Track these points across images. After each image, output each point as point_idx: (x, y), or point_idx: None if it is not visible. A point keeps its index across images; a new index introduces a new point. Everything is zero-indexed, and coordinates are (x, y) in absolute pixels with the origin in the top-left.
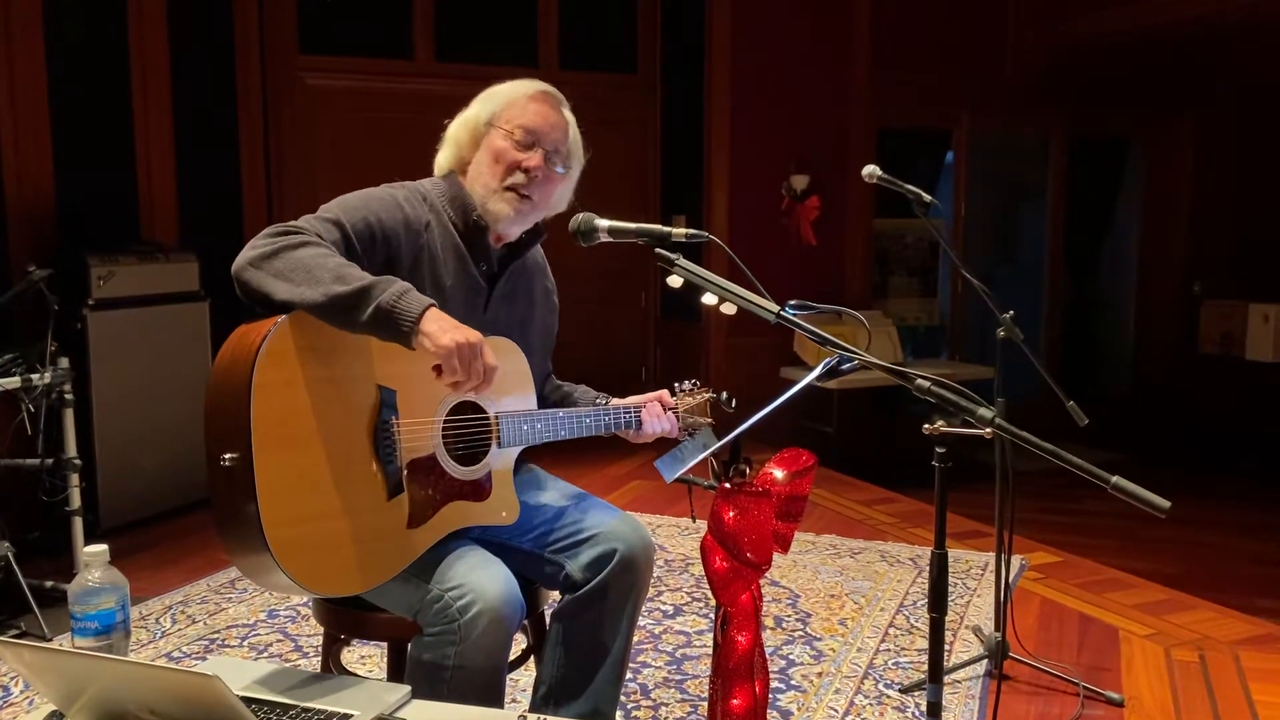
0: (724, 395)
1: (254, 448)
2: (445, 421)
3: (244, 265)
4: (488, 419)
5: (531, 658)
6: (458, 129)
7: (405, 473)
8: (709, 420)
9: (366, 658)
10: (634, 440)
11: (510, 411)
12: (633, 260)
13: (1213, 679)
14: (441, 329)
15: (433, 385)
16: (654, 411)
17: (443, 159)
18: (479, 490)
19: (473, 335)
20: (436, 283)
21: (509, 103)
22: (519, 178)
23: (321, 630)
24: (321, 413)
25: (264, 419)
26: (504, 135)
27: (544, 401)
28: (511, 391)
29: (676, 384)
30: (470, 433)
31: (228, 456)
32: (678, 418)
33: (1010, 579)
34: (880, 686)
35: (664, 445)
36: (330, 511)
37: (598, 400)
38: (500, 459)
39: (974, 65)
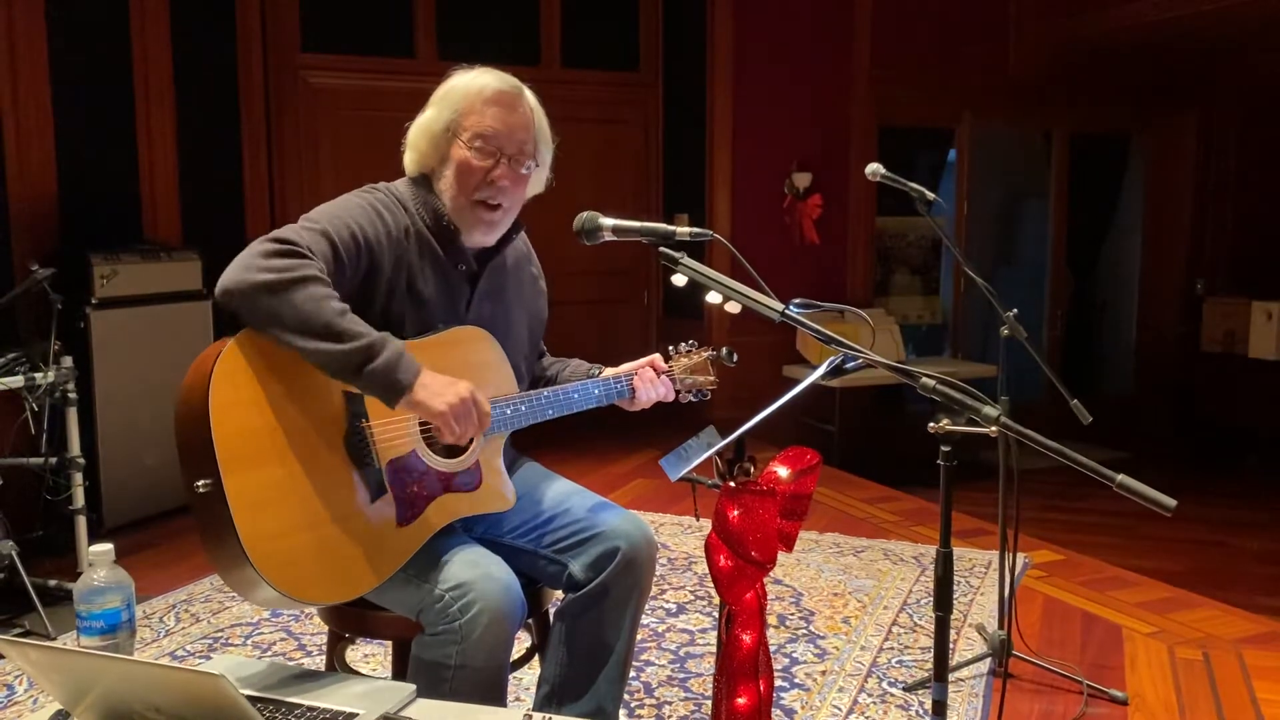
0: (724, 350)
1: (221, 470)
2: None
3: (238, 289)
4: None
5: (535, 656)
6: (417, 135)
7: (385, 473)
8: (711, 379)
9: (370, 656)
10: (631, 409)
11: (490, 397)
12: (635, 259)
13: (1216, 677)
14: (434, 393)
15: None
16: (646, 378)
17: (409, 162)
18: (469, 480)
19: (463, 390)
20: (416, 287)
21: (465, 108)
22: (486, 191)
23: (325, 629)
24: (288, 426)
25: (227, 440)
26: (464, 146)
27: (537, 383)
28: (488, 379)
29: (672, 347)
30: None
31: (201, 483)
32: (673, 380)
33: (1014, 577)
34: (884, 685)
35: (668, 441)
36: (311, 521)
37: (591, 372)
38: (488, 447)
39: (976, 63)
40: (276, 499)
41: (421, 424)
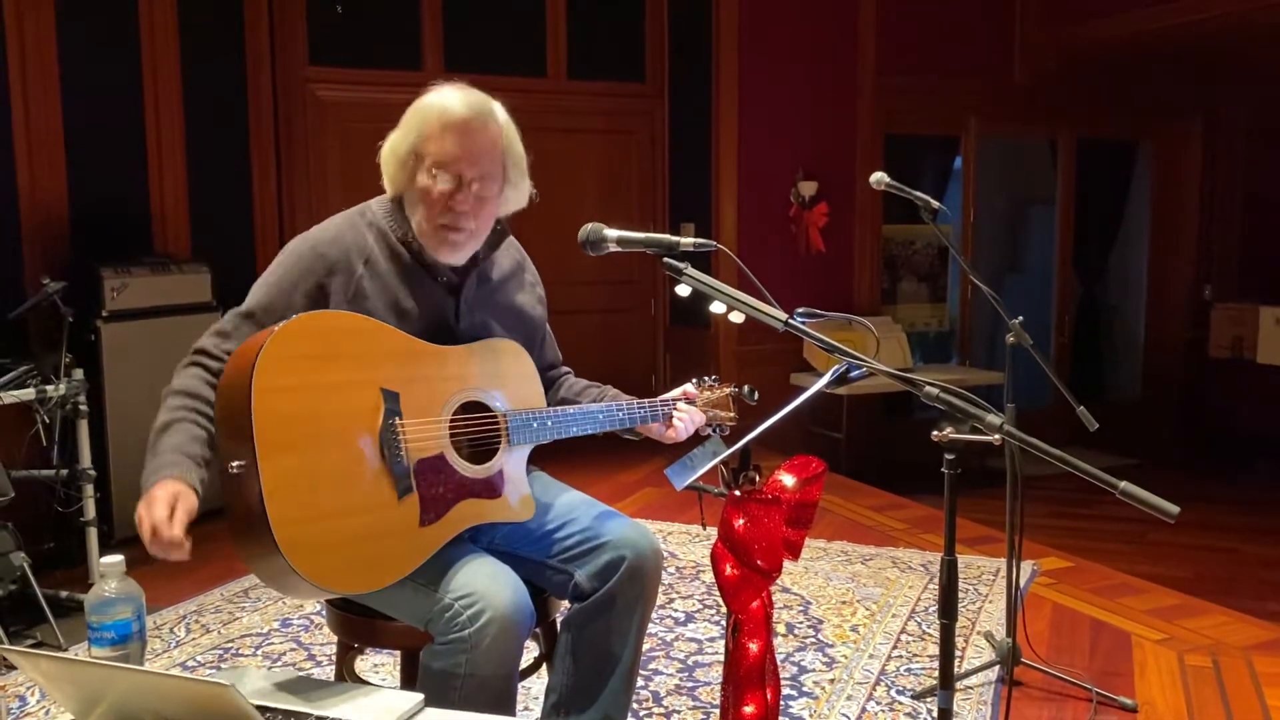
0: (746, 388)
1: (258, 451)
2: (451, 421)
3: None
4: (495, 418)
5: (544, 665)
6: (386, 158)
7: (414, 472)
8: (731, 415)
9: (380, 665)
10: (667, 438)
11: (518, 410)
12: (642, 269)
13: (1226, 684)
14: (142, 505)
15: (436, 387)
16: (683, 409)
17: (385, 182)
18: (491, 488)
19: (155, 514)
20: (396, 301)
21: (426, 133)
22: (448, 217)
23: (334, 639)
24: (325, 416)
25: (266, 424)
26: (426, 173)
27: (553, 395)
28: (517, 391)
29: (694, 380)
30: (478, 432)
31: (235, 464)
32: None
33: (1022, 584)
34: (892, 693)
35: (677, 450)
36: (339, 510)
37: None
38: (512, 457)
39: (981, 70)
40: (307, 485)
41: (450, 428)
